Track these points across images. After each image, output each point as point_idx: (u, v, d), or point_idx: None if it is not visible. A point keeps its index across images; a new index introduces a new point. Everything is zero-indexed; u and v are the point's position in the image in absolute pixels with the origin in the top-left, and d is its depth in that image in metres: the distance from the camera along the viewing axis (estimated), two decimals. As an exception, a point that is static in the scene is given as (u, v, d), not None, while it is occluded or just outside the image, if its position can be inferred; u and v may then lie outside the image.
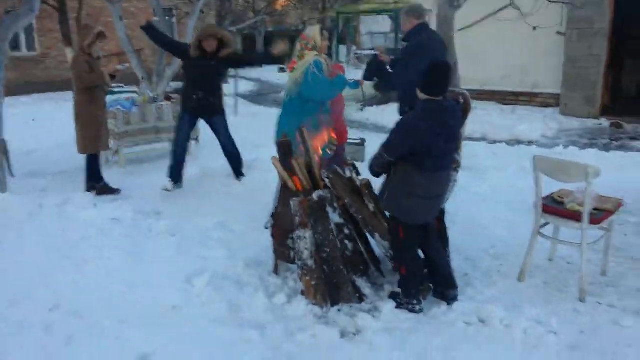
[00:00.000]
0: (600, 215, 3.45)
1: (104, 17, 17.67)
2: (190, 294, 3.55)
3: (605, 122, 9.45)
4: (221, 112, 6.09)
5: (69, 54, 14.94)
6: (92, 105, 5.92)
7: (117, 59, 18.12)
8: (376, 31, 27.32)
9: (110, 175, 6.35)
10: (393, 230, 3.38)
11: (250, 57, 6.00)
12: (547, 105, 10.72)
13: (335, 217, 3.52)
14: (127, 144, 7.28)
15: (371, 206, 3.60)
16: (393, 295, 3.50)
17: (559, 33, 10.13)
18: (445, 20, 6.31)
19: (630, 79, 10.95)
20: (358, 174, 3.70)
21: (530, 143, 8.45)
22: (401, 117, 3.34)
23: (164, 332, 3.12)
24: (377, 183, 3.52)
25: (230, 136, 6.19)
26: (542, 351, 2.91)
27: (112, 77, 6.14)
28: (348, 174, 3.62)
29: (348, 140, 6.52)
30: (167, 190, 5.83)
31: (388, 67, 4.59)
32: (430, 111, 3.10)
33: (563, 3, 7.17)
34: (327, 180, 3.54)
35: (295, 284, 3.68)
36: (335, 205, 3.53)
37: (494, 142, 8.63)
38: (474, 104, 11.86)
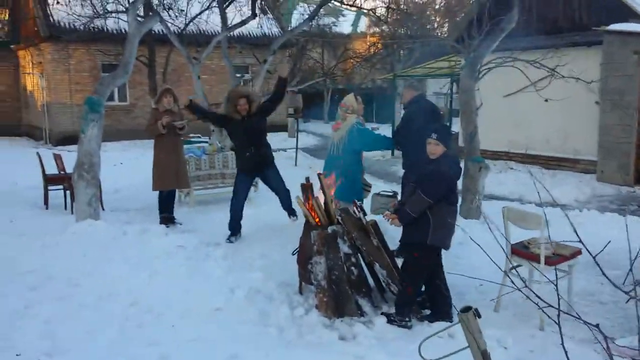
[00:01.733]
0: (555, 258, 4.25)
1: (188, 72, 19.68)
2: (231, 301, 4.63)
3: (639, 190, 9.90)
4: (271, 163, 6.79)
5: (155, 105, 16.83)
6: (159, 150, 7.20)
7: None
8: (439, 92, 28.48)
9: (181, 213, 7.63)
10: (416, 258, 4.31)
11: (272, 96, 6.73)
12: (587, 172, 11.24)
13: (344, 248, 4.52)
14: (197, 187, 8.58)
15: (375, 241, 4.57)
16: (386, 314, 4.40)
17: (597, 103, 10.79)
18: (465, 89, 7.20)
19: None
20: (365, 214, 4.70)
21: (560, 206, 9.03)
22: (439, 170, 4.25)
23: (208, 325, 4.20)
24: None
25: (282, 184, 6.80)
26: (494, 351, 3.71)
27: (180, 128, 7.16)
28: (357, 214, 4.63)
29: (381, 192, 7.58)
30: (231, 242, 6.54)
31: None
32: (450, 160, 4.24)
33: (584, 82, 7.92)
34: (339, 218, 4.56)
35: (314, 301, 4.66)
36: (345, 238, 4.53)
37: (529, 202, 9.29)
38: (518, 167, 12.68)
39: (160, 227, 7.00)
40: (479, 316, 2.12)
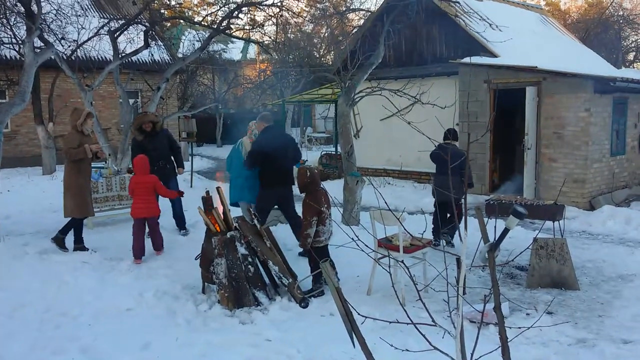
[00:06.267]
0: (411, 247, 5.30)
1: (73, 98, 19.44)
2: (140, 302, 5.20)
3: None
4: (174, 177, 7.96)
5: (41, 132, 16.40)
6: (79, 176, 7.02)
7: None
8: (327, 116, 30.15)
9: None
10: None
11: (175, 155, 8.36)
12: (453, 184, 12.83)
13: (242, 250, 5.26)
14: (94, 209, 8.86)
15: (268, 243, 5.36)
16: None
17: (457, 124, 12.44)
18: (342, 114, 8.32)
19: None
20: (259, 221, 5.50)
21: (427, 213, 10.40)
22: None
23: (121, 322, 4.75)
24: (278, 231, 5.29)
25: (180, 200, 7.89)
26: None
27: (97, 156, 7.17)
28: (253, 222, 5.41)
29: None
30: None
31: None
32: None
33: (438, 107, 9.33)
34: (236, 224, 5.30)
35: (216, 298, 5.33)
36: (242, 241, 5.28)
37: (401, 212, 10.56)
38: (395, 182, 14.08)
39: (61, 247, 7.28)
40: (333, 267, 2.98)
